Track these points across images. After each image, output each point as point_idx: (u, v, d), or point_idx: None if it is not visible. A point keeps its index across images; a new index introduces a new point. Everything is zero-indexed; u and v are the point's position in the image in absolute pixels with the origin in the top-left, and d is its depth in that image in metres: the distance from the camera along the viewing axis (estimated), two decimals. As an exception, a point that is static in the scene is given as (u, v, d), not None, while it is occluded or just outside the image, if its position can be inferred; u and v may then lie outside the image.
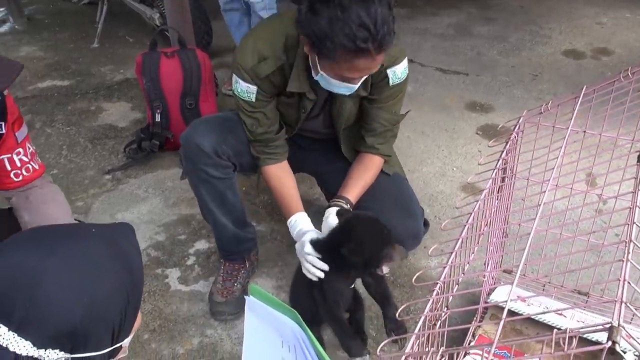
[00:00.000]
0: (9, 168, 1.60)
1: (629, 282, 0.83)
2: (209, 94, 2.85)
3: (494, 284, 1.95)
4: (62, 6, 4.99)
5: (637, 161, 1.17)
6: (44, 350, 0.81)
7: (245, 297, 1.09)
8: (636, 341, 0.73)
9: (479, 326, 1.77)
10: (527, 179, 1.72)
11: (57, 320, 0.81)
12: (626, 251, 0.89)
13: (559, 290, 1.85)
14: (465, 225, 1.33)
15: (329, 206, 1.78)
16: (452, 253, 1.25)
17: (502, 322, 0.89)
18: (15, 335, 0.80)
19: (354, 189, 1.83)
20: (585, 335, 1.62)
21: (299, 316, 0.96)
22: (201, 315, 2.00)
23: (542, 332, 1.74)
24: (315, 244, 1.62)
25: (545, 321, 1.74)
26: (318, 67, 1.58)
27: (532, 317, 1.73)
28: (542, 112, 1.65)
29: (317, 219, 1.92)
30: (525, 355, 1.66)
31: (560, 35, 4.24)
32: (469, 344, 1.71)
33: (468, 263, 1.37)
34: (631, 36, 4.21)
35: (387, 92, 1.80)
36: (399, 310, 1.09)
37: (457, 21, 4.55)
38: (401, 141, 1.96)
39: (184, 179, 1.98)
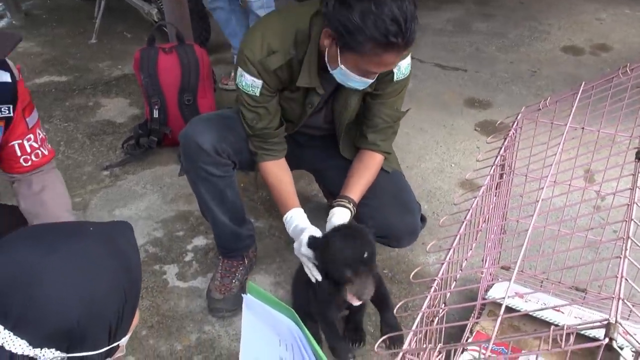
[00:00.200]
0: (19, 154, 1.61)
1: (626, 279, 0.83)
2: (207, 90, 2.84)
3: (492, 280, 1.95)
4: (60, 1, 4.97)
5: (635, 158, 1.16)
6: (39, 349, 0.81)
7: (243, 295, 1.09)
8: (633, 337, 0.73)
9: (477, 323, 1.77)
10: (526, 176, 1.71)
11: (54, 320, 0.81)
12: (623, 248, 0.89)
13: (556, 287, 1.85)
14: (463, 222, 1.33)
15: (332, 206, 1.79)
16: (450, 249, 1.25)
17: (499, 319, 0.88)
18: (11, 334, 0.80)
19: (357, 188, 1.82)
20: (583, 332, 1.62)
21: (296, 314, 0.96)
22: (199, 311, 2.00)
23: (540, 328, 1.74)
24: (311, 244, 1.61)
25: (543, 317, 1.74)
26: (339, 60, 1.58)
27: (530, 313, 1.73)
28: (540, 109, 1.65)
29: (315, 215, 1.92)
30: (523, 351, 1.66)
31: (559, 31, 4.23)
32: (466, 340, 1.71)
33: (466, 260, 1.37)
34: (630, 32, 4.21)
35: (391, 87, 1.80)
36: (397, 307, 1.09)
37: (456, 17, 4.54)
38: (400, 137, 1.95)
39: (182, 175, 1.97)
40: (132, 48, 2.94)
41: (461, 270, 1.34)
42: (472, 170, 1.57)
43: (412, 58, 1.82)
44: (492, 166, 1.55)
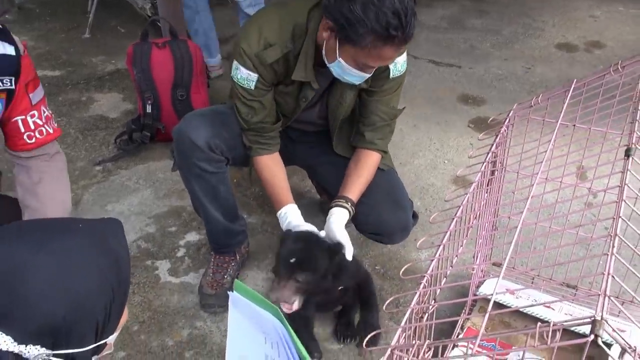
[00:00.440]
0: (22, 130, 1.61)
1: (613, 276, 0.83)
2: (201, 86, 2.83)
3: (484, 276, 1.95)
4: (54, -4, 4.95)
5: (625, 155, 1.17)
6: (24, 346, 0.80)
7: (229, 292, 1.09)
8: (619, 334, 0.74)
9: (468, 318, 1.77)
10: (517, 172, 1.72)
11: (39, 316, 0.80)
12: (611, 245, 0.89)
13: (547, 283, 1.86)
14: (453, 219, 1.33)
15: (331, 207, 1.79)
16: (440, 246, 1.25)
17: (486, 315, 0.89)
18: None
19: (355, 188, 1.82)
20: (573, 328, 1.63)
21: (280, 312, 0.96)
22: (191, 307, 2.00)
23: (531, 324, 1.75)
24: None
25: (533, 314, 1.74)
26: (337, 53, 1.58)
27: (521, 310, 1.74)
28: (532, 106, 1.65)
29: (308, 211, 1.92)
30: (513, 347, 1.67)
31: (554, 28, 4.23)
32: (457, 336, 1.72)
33: (457, 256, 1.38)
34: (624, 30, 4.21)
35: (387, 84, 1.80)
36: (386, 303, 1.09)
37: (450, 13, 4.53)
38: (393, 134, 1.96)
39: (175, 170, 1.97)
40: (126, 43, 2.92)
41: (451, 266, 1.34)
42: (464, 167, 1.57)
43: (407, 54, 1.82)
44: (484, 163, 1.56)
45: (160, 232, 2.34)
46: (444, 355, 1.57)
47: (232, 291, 1.05)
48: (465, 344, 1.60)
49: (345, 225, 1.77)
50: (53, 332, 0.82)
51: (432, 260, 1.21)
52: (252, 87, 1.74)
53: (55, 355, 0.83)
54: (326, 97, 1.86)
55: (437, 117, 3.12)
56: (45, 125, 1.64)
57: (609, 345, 1.09)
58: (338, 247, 1.65)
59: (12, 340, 0.80)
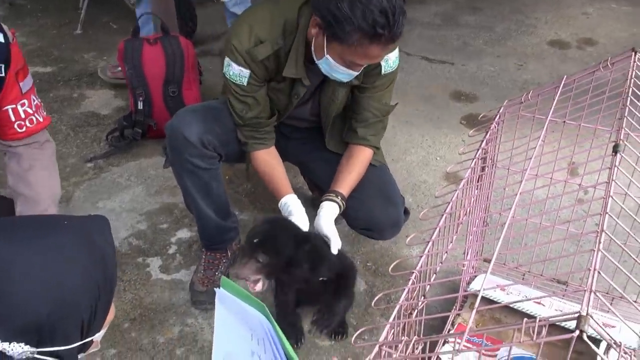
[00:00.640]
0: (12, 119, 1.61)
1: (599, 272, 0.83)
2: (192, 82, 2.82)
3: (475, 272, 1.95)
4: (45, -9, 4.91)
5: (613, 151, 1.17)
6: (8, 343, 0.80)
7: (216, 289, 1.09)
8: (604, 330, 0.74)
9: (459, 314, 1.78)
10: (508, 169, 1.72)
11: (24, 314, 0.80)
12: (597, 241, 0.89)
13: (538, 279, 1.86)
14: (442, 215, 1.33)
15: (321, 200, 1.80)
16: (429, 242, 1.25)
17: (474, 311, 0.89)
18: None
19: (346, 183, 1.83)
20: (563, 324, 1.63)
21: (266, 308, 0.96)
22: (182, 304, 2.00)
23: (521, 321, 1.75)
24: None
25: (523, 310, 1.75)
26: (325, 50, 1.58)
27: (511, 305, 1.74)
28: (522, 102, 1.65)
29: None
30: (504, 343, 1.67)
31: (546, 25, 4.24)
32: (448, 332, 1.72)
33: (446, 252, 1.38)
34: (616, 27, 4.22)
35: (379, 81, 1.80)
36: (375, 300, 1.09)
37: (443, 10, 4.53)
38: (386, 130, 1.96)
39: (167, 167, 1.96)
40: (118, 39, 2.90)
41: (441, 263, 1.34)
42: (455, 163, 1.57)
43: (400, 51, 1.82)
44: (474, 159, 1.56)
45: (151, 229, 2.33)
46: (435, 351, 1.58)
47: (219, 288, 1.05)
48: (454, 339, 1.60)
49: (337, 220, 1.78)
50: (37, 329, 0.81)
51: (421, 257, 1.21)
52: (245, 83, 1.74)
53: (40, 353, 0.82)
54: (318, 94, 1.86)
55: (430, 114, 3.12)
56: (36, 114, 1.65)
57: (598, 341, 1.09)
58: (310, 237, 1.67)
59: None
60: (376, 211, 1.89)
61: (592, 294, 0.77)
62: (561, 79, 1.60)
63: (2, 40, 1.51)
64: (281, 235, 1.62)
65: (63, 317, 0.83)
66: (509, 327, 0.81)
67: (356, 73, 1.65)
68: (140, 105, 2.76)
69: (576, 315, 0.75)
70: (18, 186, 1.66)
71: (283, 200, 1.81)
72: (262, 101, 1.80)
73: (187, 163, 1.82)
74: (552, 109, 1.46)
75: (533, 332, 0.79)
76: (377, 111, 1.86)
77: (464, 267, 1.79)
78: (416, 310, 1.20)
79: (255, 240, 1.57)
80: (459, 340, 0.87)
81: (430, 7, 4.57)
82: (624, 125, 1.28)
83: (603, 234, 0.90)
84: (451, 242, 1.40)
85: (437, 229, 1.29)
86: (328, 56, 1.59)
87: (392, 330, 1.07)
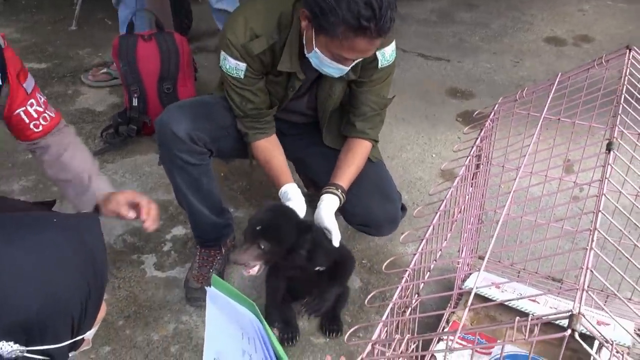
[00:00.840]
0: (27, 120, 1.62)
1: (592, 270, 0.83)
2: (187, 79, 2.81)
3: (470, 270, 1.95)
4: (40, -13, 4.89)
5: (606, 149, 1.17)
6: None
7: (206, 288, 1.09)
8: (596, 328, 0.74)
9: (453, 312, 1.78)
10: (502, 166, 1.72)
11: (12, 312, 0.79)
12: (590, 239, 0.89)
13: (533, 277, 1.86)
14: (437, 213, 1.33)
15: (321, 193, 1.80)
16: (422, 240, 1.25)
17: (467, 309, 0.89)
18: None
19: (346, 176, 1.83)
20: (558, 322, 1.64)
21: (256, 307, 0.96)
22: (177, 301, 1.99)
23: (516, 318, 1.75)
24: None
25: (518, 307, 1.75)
26: (313, 43, 1.57)
27: (506, 303, 1.74)
28: (517, 99, 1.65)
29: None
30: (498, 341, 1.67)
31: (542, 22, 4.24)
32: (442, 330, 1.72)
33: (440, 250, 1.37)
34: (612, 23, 4.22)
35: (376, 74, 1.80)
36: (368, 297, 1.08)
37: (440, 7, 4.53)
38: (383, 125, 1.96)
39: (161, 164, 1.95)
40: (113, 35, 2.89)
41: (435, 260, 1.34)
42: (450, 161, 1.57)
43: (396, 47, 1.81)
44: (468, 157, 1.55)
45: (146, 226, 2.32)
46: (429, 349, 1.58)
47: (210, 286, 1.05)
48: (450, 337, 1.60)
49: (335, 215, 1.78)
50: (26, 328, 0.80)
51: (415, 255, 1.21)
52: (242, 76, 1.74)
53: (30, 352, 0.82)
54: (315, 88, 1.86)
55: (426, 111, 3.11)
56: (47, 111, 1.67)
57: (593, 339, 1.09)
58: (311, 226, 1.66)
59: None
60: (374, 207, 1.89)
61: (585, 292, 0.77)
62: (556, 76, 1.60)
63: None
64: (284, 223, 1.62)
65: (53, 315, 0.82)
66: (502, 325, 0.81)
67: (347, 68, 1.65)
68: (135, 102, 2.75)
69: (568, 314, 0.74)
70: (58, 175, 1.70)
71: (283, 189, 1.81)
72: (260, 93, 1.81)
73: (177, 159, 1.82)
74: (547, 106, 1.45)
75: (526, 330, 0.78)
76: (375, 105, 1.86)
77: (458, 264, 1.79)
78: (410, 308, 1.20)
79: (258, 227, 1.57)
80: (452, 338, 0.87)
81: (426, 4, 4.56)
82: (617, 123, 1.28)
83: (596, 232, 0.90)
84: (445, 239, 1.40)
85: (432, 227, 1.29)
86: (317, 49, 1.58)
87: (386, 329, 1.06)
